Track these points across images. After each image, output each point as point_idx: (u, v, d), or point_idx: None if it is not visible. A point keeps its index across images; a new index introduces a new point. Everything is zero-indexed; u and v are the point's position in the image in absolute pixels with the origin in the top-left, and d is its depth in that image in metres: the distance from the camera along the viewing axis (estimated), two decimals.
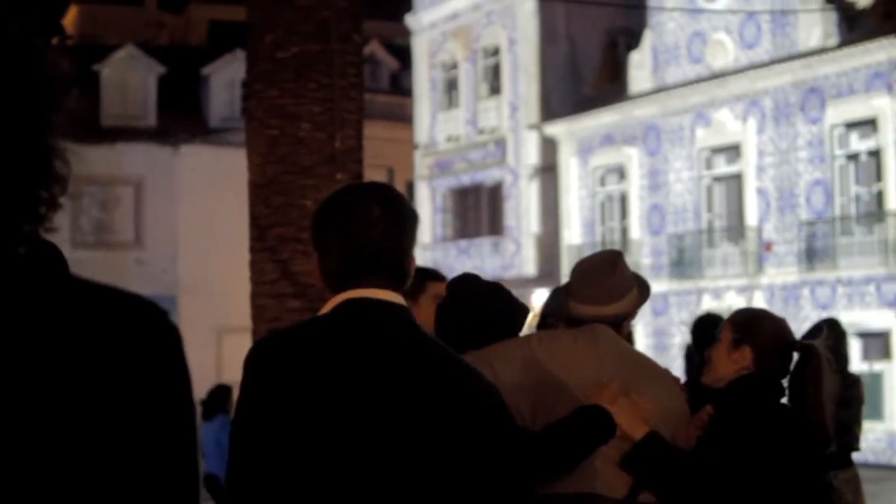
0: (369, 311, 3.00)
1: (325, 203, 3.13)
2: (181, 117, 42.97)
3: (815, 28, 29.70)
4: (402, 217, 3.06)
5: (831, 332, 9.35)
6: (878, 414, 27.22)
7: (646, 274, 33.19)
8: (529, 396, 4.13)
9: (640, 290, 4.56)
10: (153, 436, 1.76)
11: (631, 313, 4.54)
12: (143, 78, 43.60)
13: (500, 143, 39.17)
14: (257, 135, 9.67)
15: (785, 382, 4.64)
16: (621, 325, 4.48)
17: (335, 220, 3.08)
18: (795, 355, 4.65)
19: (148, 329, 1.80)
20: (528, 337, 4.43)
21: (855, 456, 9.73)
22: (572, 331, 4.41)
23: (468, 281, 4.80)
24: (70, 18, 53.44)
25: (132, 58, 43.77)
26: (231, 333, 37.31)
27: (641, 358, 4.49)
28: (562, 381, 4.16)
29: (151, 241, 41.78)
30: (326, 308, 3.03)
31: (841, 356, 9.35)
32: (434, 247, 41.92)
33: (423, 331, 3.06)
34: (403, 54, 47.17)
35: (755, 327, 4.62)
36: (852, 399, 9.57)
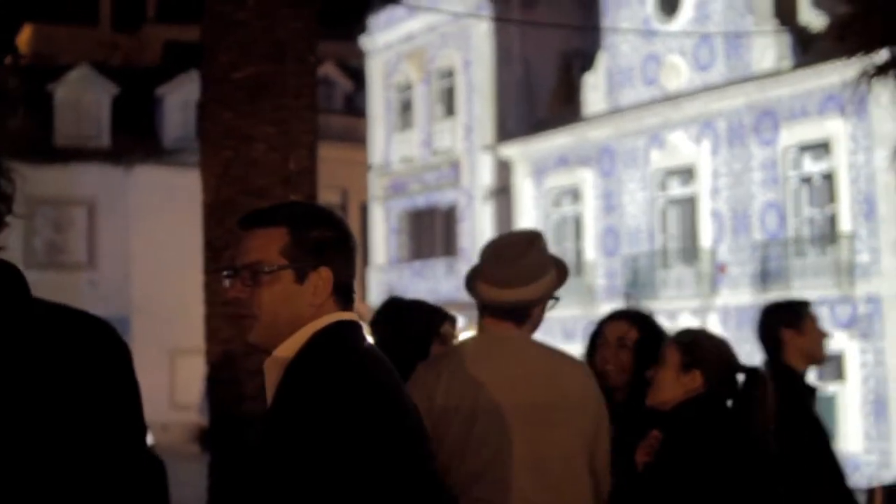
0: (360, 332, 3.02)
1: (335, 221, 3.07)
2: (135, 138, 42.89)
3: (769, 50, 29.87)
4: None
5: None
6: (831, 435, 27.30)
7: (600, 295, 33.33)
8: (450, 427, 4.02)
9: (559, 274, 4.29)
10: (103, 447, 1.76)
11: (544, 299, 4.26)
12: (96, 98, 43.49)
13: (455, 165, 39.18)
14: (212, 156, 9.61)
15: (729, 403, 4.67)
16: (530, 312, 4.24)
17: (350, 241, 3.06)
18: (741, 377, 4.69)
19: (98, 345, 1.80)
20: (432, 369, 4.17)
21: None
22: (476, 350, 4.20)
23: (393, 305, 5.00)
24: (24, 38, 53.24)
25: (86, 78, 43.65)
26: (184, 355, 37.20)
27: (552, 361, 4.28)
28: (484, 406, 4.03)
29: (104, 261, 41.64)
30: (314, 328, 2.95)
31: None
32: (388, 268, 41.87)
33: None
34: (358, 75, 47.22)
35: (704, 350, 4.61)
36: None
